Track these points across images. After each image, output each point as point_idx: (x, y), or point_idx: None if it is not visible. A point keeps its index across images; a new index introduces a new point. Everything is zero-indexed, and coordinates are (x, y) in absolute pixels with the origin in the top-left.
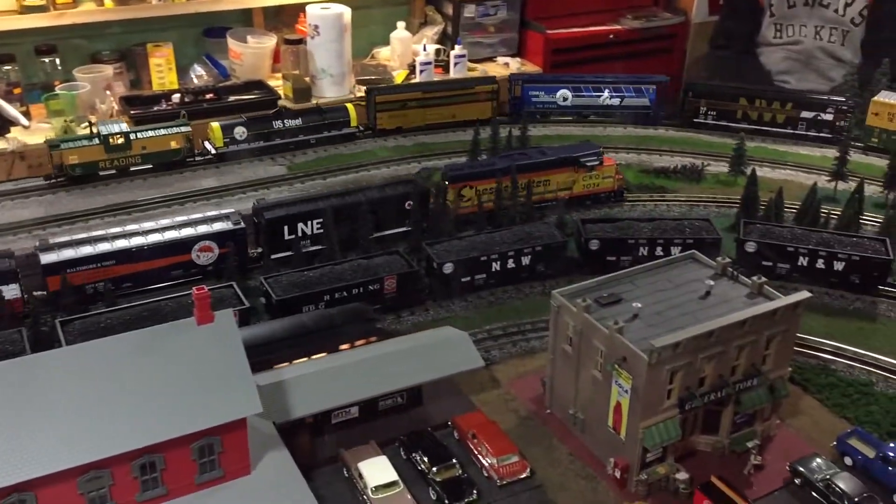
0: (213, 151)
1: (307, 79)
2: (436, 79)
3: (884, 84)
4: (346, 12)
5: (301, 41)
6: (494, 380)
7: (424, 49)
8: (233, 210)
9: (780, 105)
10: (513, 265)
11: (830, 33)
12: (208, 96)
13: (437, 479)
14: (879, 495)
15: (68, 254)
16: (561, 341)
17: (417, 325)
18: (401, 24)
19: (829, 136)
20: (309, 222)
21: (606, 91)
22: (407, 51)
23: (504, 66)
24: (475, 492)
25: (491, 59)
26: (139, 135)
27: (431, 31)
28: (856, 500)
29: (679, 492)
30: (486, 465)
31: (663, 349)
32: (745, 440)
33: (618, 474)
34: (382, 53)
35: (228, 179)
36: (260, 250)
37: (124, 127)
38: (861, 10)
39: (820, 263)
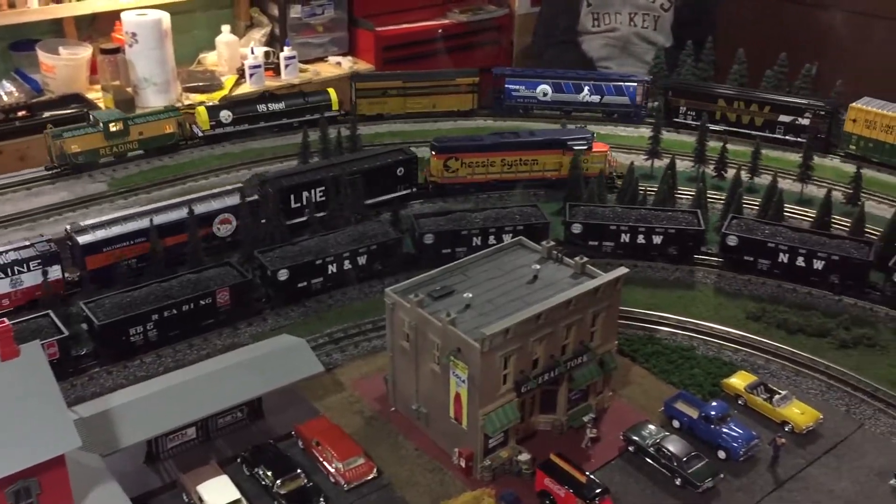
0: (201, 134)
1: (129, 89)
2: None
3: (689, 64)
4: (165, 18)
5: (119, 50)
6: (338, 383)
7: (252, 52)
8: (240, 184)
9: (759, 108)
10: (349, 266)
11: (643, 19)
12: (20, 113)
13: (283, 492)
14: (705, 452)
15: (103, 233)
16: (398, 338)
17: (256, 336)
18: (226, 28)
19: (807, 140)
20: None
21: (587, 88)
22: (235, 55)
23: (336, 66)
24: (322, 499)
25: (322, 59)
26: (135, 121)
27: (259, 34)
28: (683, 459)
29: (522, 473)
30: (332, 470)
31: (494, 336)
32: (582, 415)
33: (463, 463)
34: (209, 59)
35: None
36: (79, 274)
37: (120, 114)
38: None
39: (640, 239)
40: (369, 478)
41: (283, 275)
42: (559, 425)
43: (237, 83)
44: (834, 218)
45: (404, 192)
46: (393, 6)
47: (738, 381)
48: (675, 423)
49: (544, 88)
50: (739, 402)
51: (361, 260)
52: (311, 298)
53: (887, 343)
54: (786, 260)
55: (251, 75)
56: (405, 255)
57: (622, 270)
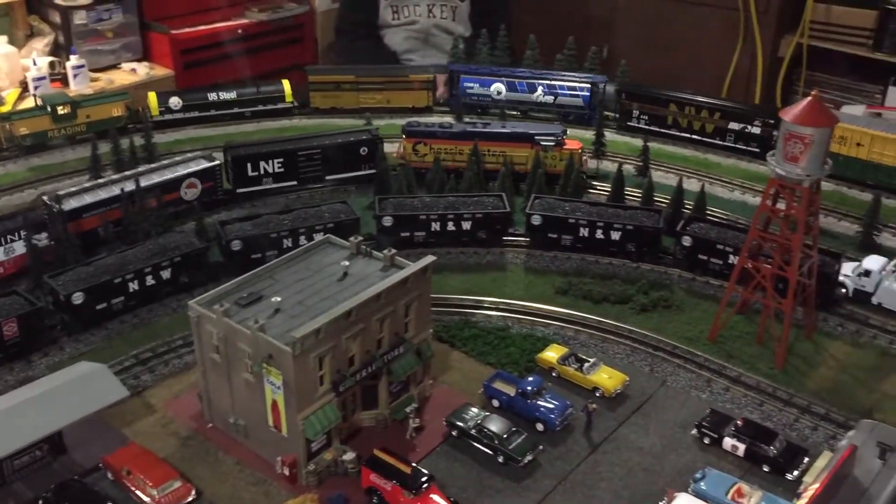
0: (150, 119)
1: None
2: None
3: (485, 52)
4: None
5: None
6: (149, 406)
7: (35, 63)
8: (203, 151)
9: (709, 114)
10: (153, 282)
11: (442, 10)
12: None
13: None
14: (525, 427)
15: (86, 199)
16: (208, 351)
17: (53, 367)
18: (3, 39)
19: (757, 150)
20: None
21: (541, 88)
22: (16, 67)
23: (131, 73)
24: None
25: (115, 66)
26: (83, 104)
27: (41, 43)
28: (504, 437)
29: (349, 472)
30: (147, 499)
31: (305, 338)
32: (404, 406)
33: (287, 471)
34: None
35: None
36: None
37: (67, 97)
38: None
39: (451, 226)
40: (188, 500)
41: (77, 298)
42: (383, 419)
43: (21, 97)
44: (627, 190)
45: (368, 172)
46: (186, 8)
47: (551, 354)
48: (495, 403)
49: (498, 87)
50: (553, 374)
51: (165, 274)
52: (112, 320)
53: (682, 303)
54: (586, 234)
55: (36, 87)
56: (213, 264)
57: (429, 259)
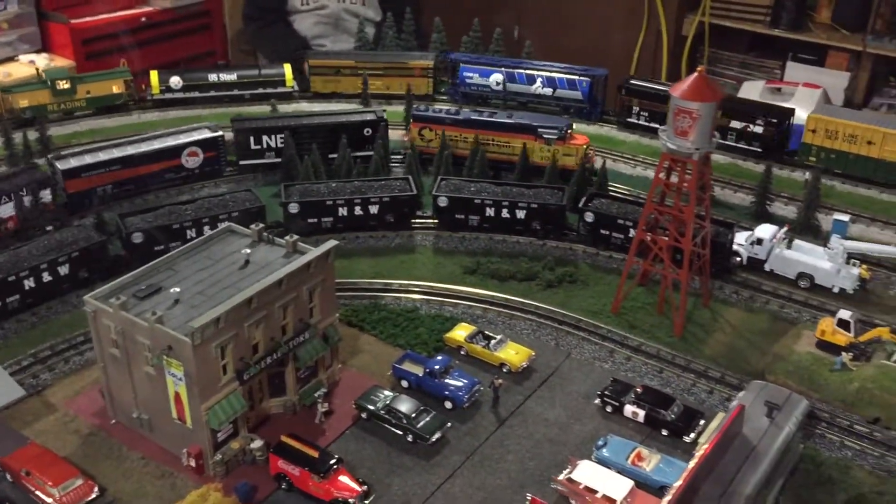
0: (150, 98)
1: None
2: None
3: (391, 36)
4: None
5: None
6: (49, 405)
7: None
8: (211, 123)
9: None
10: (49, 278)
11: None
12: None
13: None
14: (434, 406)
15: (84, 160)
16: (107, 346)
17: None
18: None
19: (760, 149)
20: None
21: (539, 80)
22: None
23: (30, 65)
24: None
25: (12, 58)
26: (83, 80)
27: None
28: (412, 416)
29: (257, 460)
30: (48, 499)
31: (205, 328)
32: (313, 392)
33: (193, 463)
34: None
35: None
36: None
37: (68, 72)
38: None
39: (357, 210)
40: (90, 498)
41: None
42: (291, 406)
43: None
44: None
45: (370, 154)
46: None
47: (459, 332)
48: (404, 383)
49: (497, 77)
50: (462, 352)
51: (63, 270)
52: (9, 319)
53: (586, 277)
54: (493, 213)
55: None
56: (115, 257)
57: (331, 243)
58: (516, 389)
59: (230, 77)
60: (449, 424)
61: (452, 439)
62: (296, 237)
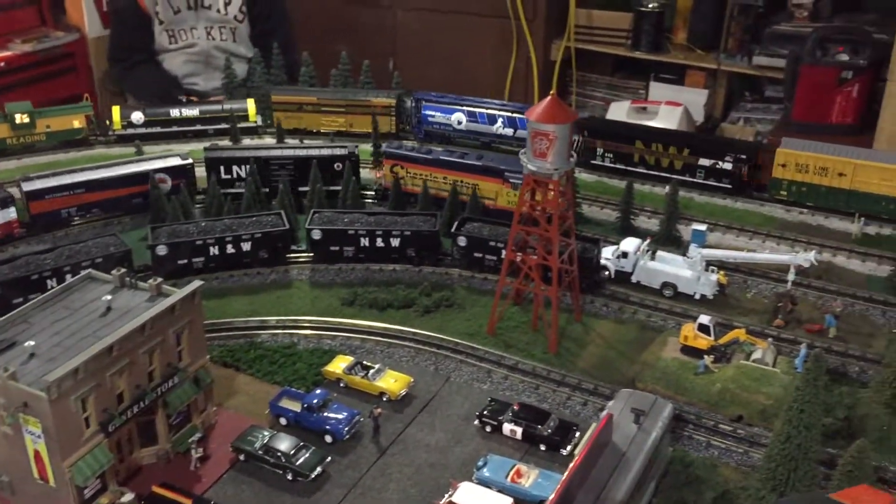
0: (111, 133)
1: None
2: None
3: (259, 72)
4: None
5: None
6: None
7: None
8: (185, 152)
9: (678, 150)
10: None
11: (221, 32)
12: None
13: None
14: (314, 441)
15: (47, 182)
16: None
17: None
18: None
19: (729, 185)
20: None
21: (500, 120)
22: None
23: None
24: None
25: None
26: (43, 115)
27: None
28: (291, 453)
29: None
30: None
31: (61, 380)
32: (187, 437)
33: None
34: None
35: None
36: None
37: (29, 106)
38: (240, 7)
39: (230, 249)
40: None
41: None
42: (165, 454)
43: None
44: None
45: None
46: None
47: (337, 365)
48: (283, 421)
49: (459, 117)
50: (341, 384)
51: None
52: None
53: (462, 300)
54: (367, 243)
55: None
56: None
57: (196, 284)
58: (397, 417)
59: (192, 112)
60: (329, 459)
61: (334, 473)
62: (159, 280)
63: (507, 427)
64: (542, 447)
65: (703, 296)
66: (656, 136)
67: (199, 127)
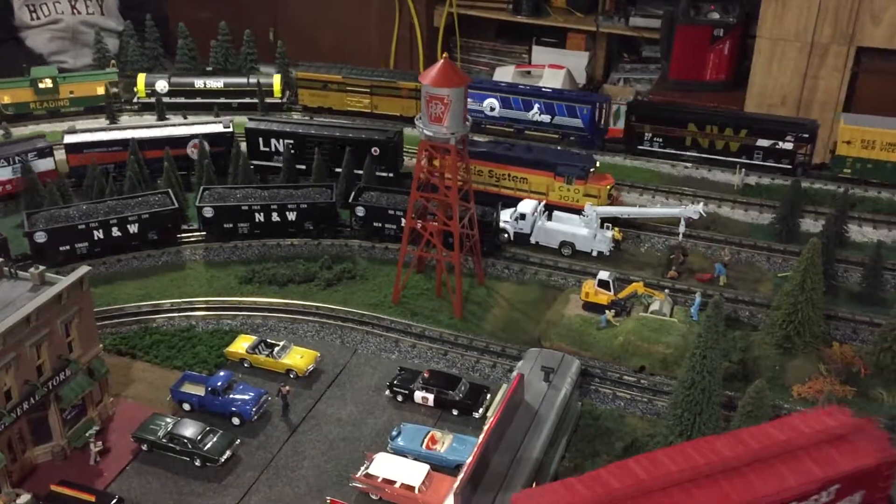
0: (136, 101)
1: None
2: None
3: (133, 45)
4: None
5: None
6: None
7: None
8: (228, 118)
9: (734, 132)
10: None
11: (87, 6)
12: None
13: None
14: (221, 425)
15: (86, 137)
16: None
17: None
18: None
19: (789, 166)
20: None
21: (536, 106)
22: None
23: None
24: None
25: None
26: (67, 80)
27: None
28: (198, 438)
29: None
30: None
31: None
32: (84, 431)
33: None
34: None
35: None
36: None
37: (54, 71)
38: None
39: (116, 232)
40: None
41: None
42: (61, 450)
43: None
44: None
45: (381, 175)
46: None
47: (240, 345)
48: (187, 406)
49: (492, 102)
50: (245, 364)
51: None
52: None
53: (365, 271)
54: (262, 219)
55: None
56: None
57: (83, 270)
58: (306, 394)
59: (217, 84)
60: (238, 441)
61: (244, 455)
62: (42, 268)
63: (419, 395)
64: (455, 412)
65: (600, 252)
66: (712, 117)
67: (223, 100)
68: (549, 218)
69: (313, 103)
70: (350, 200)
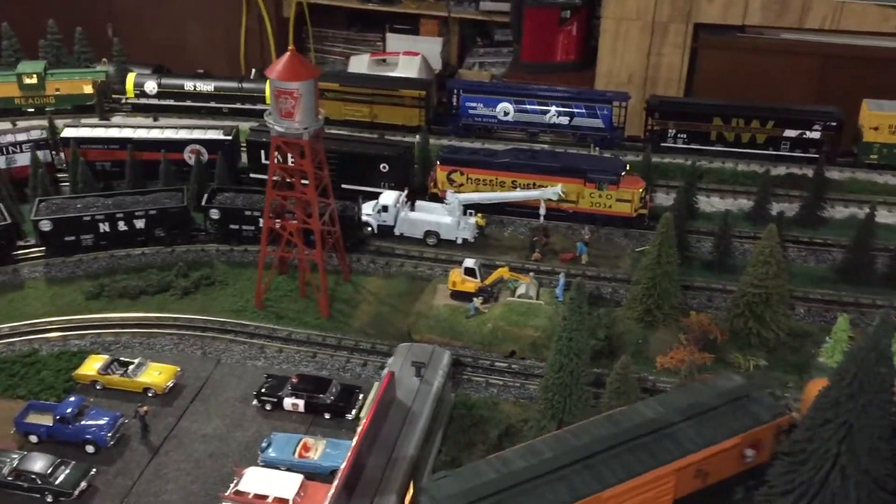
0: (124, 101)
1: None
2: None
3: None
4: None
5: None
6: None
7: None
8: (233, 125)
9: (761, 123)
10: None
11: None
12: None
13: None
14: (73, 455)
15: (84, 132)
16: None
17: None
18: None
19: (817, 155)
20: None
21: (553, 108)
22: None
23: None
24: None
25: None
26: (54, 76)
27: None
28: (48, 473)
29: None
30: None
31: None
32: None
33: None
34: None
35: None
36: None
37: (39, 67)
38: None
39: None
40: None
41: None
42: None
43: None
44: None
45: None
46: None
47: (90, 366)
48: (34, 438)
49: (505, 107)
50: (98, 386)
51: None
52: None
53: (224, 276)
54: (108, 229)
55: None
56: None
57: None
58: (167, 412)
59: (207, 87)
60: (94, 471)
61: (101, 486)
62: None
63: (288, 401)
64: (327, 415)
65: (464, 240)
66: (739, 110)
67: (212, 104)
68: (413, 208)
69: None
70: (203, 203)
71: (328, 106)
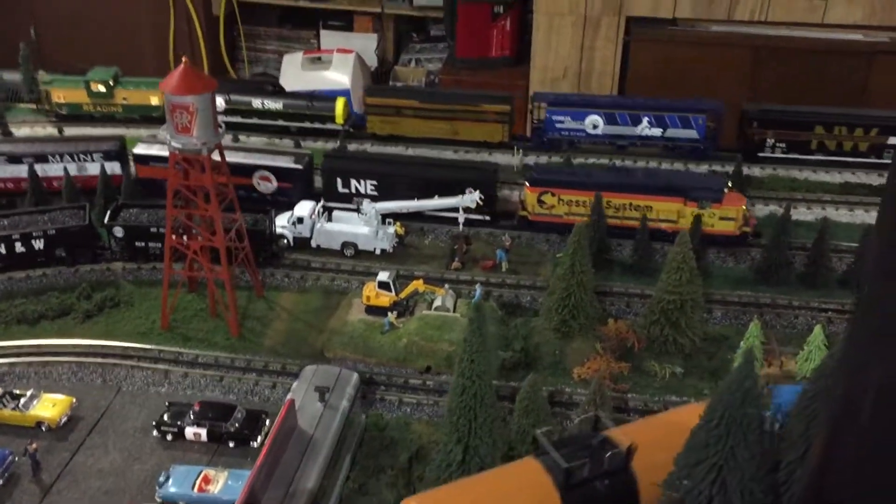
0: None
1: None
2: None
3: None
4: None
5: None
6: None
7: None
8: (308, 151)
9: (864, 131)
10: None
11: None
12: None
13: None
14: None
15: (155, 150)
16: None
17: None
18: None
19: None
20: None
21: (646, 120)
22: None
23: None
24: None
25: None
26: (122, 86)
27: None
28: None
29: None
30: None
31: None
32: None
33: None
34: None
35: None
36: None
37: (110, 74)
38: None
39: None
40: None
41: None
42: None
43: None
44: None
45: (476, 218)
46: None
47: None
48: None
49: (594, 120)
50: None
51: None
52: None
53: (130, 296)
54: (3, 250)
55: None
56: None
57: None
58: (60, 446)
59: (276, 105)
60: None
61: None
62: None
63: (190, 430)
64: (231, 444)
65: (383, 250)
66: (841, 118)
67: (280, 122)
68: (329, 218)
69: (383, 130)
70: (106, 221)
71: (405, 124)
